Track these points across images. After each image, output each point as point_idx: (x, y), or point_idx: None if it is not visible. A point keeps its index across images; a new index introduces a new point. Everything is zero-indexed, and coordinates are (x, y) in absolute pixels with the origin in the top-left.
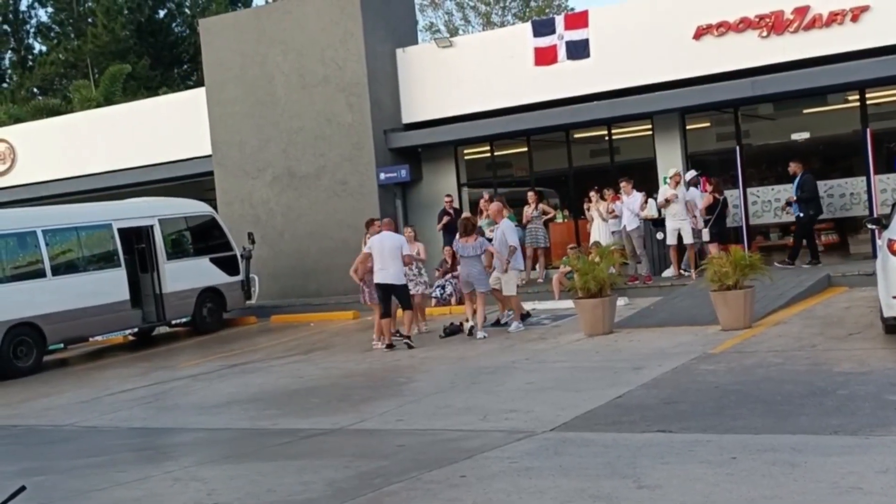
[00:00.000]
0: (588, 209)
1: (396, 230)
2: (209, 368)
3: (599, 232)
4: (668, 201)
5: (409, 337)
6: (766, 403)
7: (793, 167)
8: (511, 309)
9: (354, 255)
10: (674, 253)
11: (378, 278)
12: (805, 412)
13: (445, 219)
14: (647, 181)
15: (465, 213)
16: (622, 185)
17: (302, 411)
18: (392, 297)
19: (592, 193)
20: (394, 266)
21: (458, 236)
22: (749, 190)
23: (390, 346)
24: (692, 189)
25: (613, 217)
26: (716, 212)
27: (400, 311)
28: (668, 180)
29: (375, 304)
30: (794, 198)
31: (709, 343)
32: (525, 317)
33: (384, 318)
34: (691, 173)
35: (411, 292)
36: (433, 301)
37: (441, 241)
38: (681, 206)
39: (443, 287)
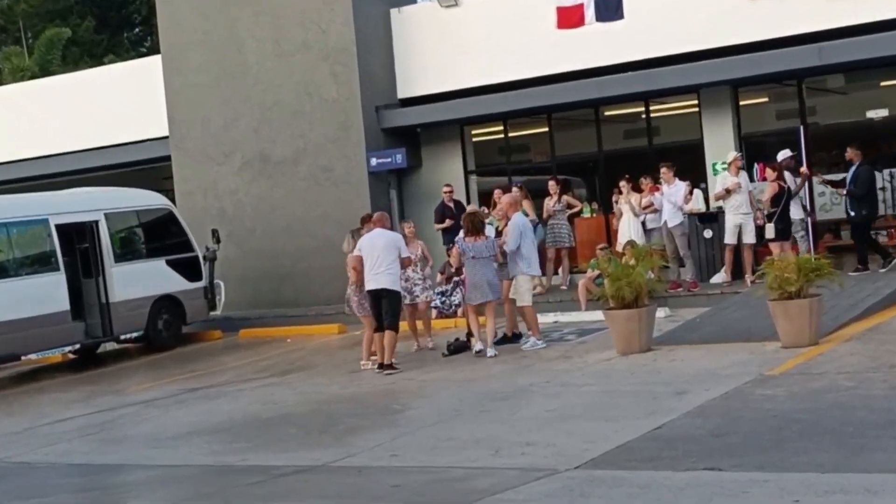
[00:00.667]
0: (617, 202)
1: (391, 227)
2: (165, 393)
3: (630, 229)
4: (728, 192)
5: (389, 366)
6: (835, 435)
7: (850, 153)
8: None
9: (339, 256)
10: (730, 254)
11: (370, 284)
12: (882, 446)
13: (448, 222)
14: (691, 168)
15: (471, 207)
16: (662, 172)
17: (276, 444)
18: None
19: (623, 183)
20: (388, 270)
21: (462, 234)
22: (815, 179)
23: (383, 367)
24: (742, 175)
25: (651, 211)
26: (781, 204)
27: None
28: (725, 167)
29: (366, 316)
30: (844, 192)
31: (766, 363)
32: (517, 337)
33: (379, 331)
34: (785, 153)
35: (419, 299)
36: (434, 312)
37: (440, 240)
38: (744, 198)
39: (444, 294)
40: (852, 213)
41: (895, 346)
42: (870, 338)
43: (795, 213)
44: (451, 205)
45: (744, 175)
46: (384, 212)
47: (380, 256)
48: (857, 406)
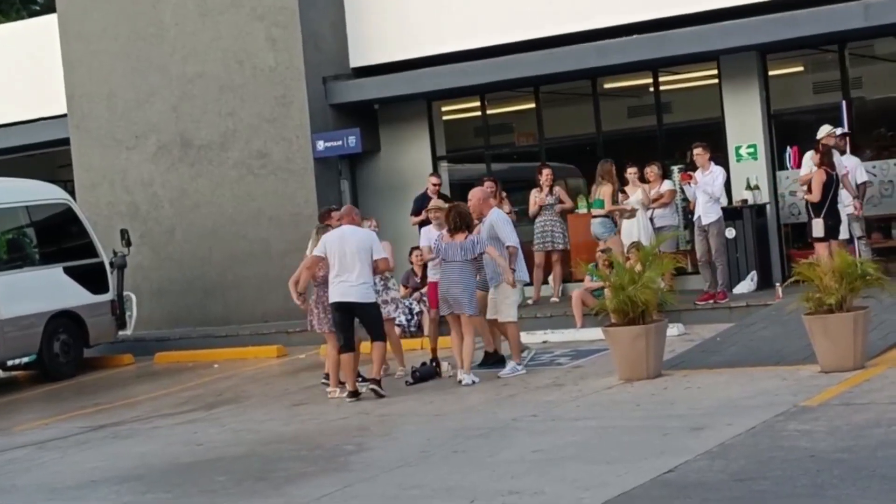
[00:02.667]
0: (621, 194)
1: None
2: (64, 431)
3: (638, 227)
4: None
5: (377, 381)
6: (885, 480)
7: None
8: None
9: (278, 262)
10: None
11: (336, 294)
12: None
13: (424, 214)
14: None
15: (436, 200)
16: (697, 154)
17: (201, 495)
18: (354, 322)
19: (632, 171)
20: (360, 276)
21: (436, 231)
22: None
23: (355, 394)
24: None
25: (661, 205)
26: (829, 195)
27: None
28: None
29: (330, 333)
30: None
31: (802, 391)
32: (501, 357)
33: (345, 352)
34: (827, 129)
35: (391, 316)
36: (397, 330)
37: (413, 241)
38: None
39: (410, 310)
40: None
41: None
42: None
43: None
44: (433, 197)
45: (838, 156)
46: (352, 205)
47: (350, 261)
48: None
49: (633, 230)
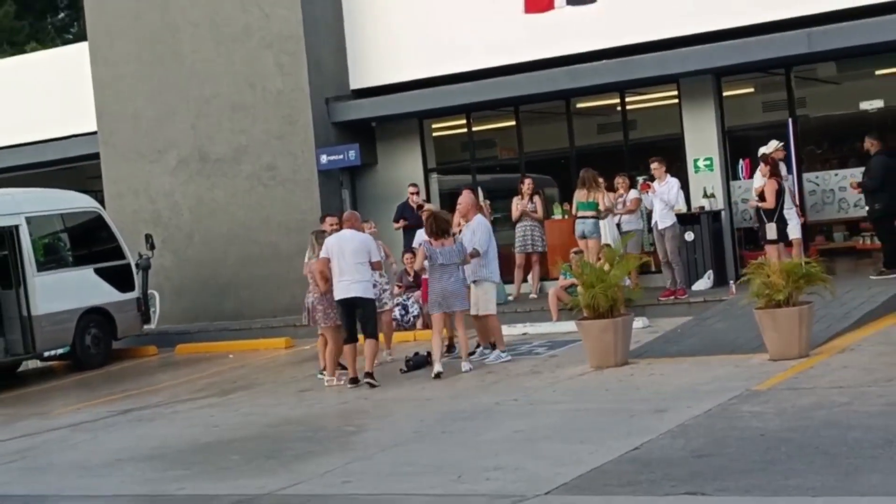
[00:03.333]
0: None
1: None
2: (94, 415)
3: (605, 230)
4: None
5: (371, 374)
6: (827, 456)
7: (867, 143)
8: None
9: (286, 263)
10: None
11: (340, 292)
12: (878, 468)
13: (402, 222)
14: (671, 166)
15: (429, 206)
16: (653, 168)
17: (217, 472)
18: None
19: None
20: (360, 275)
21: (425, 238)
22: (805, 176)
23: (355, 381)
24: (780, 168)
25: (627, 212)
26: (779, 203)
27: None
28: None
29: (330, 327)
30: (858, 183)
31: (753, 377)
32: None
33: (349, 342)
34: (774, 144)
35: (387, 307)
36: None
37: (401, 245)
38: (785, 194)
39: (405, 307)
40: (868, 208)
41: (892, 357)
42: (865, 349)
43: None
44: (414, 206)
45: (781, 167)
46: (354, 211)
47: (350, 261)
48: (852, 424)
49: (602, 233)
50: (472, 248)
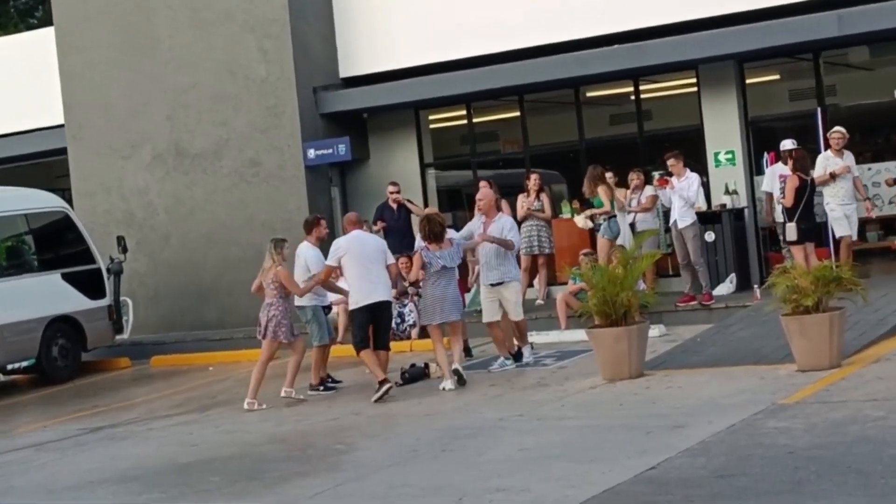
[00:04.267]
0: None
1: (331, 231)
2: (62, 433)
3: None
4: (833, 176)
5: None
6: (861, 475)
7: None
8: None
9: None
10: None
11: (370, 297)
12: None
13: (379, 224)
14: (689, 160)
15: (430, 209)
16: (670, 163)
17: (196, 495)
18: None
19: (609, 175)
20: (386, 277)
21: (421, 242)
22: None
23: (385, 382)
24: (848, 156)
25: (643, 210)
26: (803, 200)
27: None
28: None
29: (298, 339)
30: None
31: (780, 390)
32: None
33: (367, 348)
34: (789, 143)
35: None
36: None
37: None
38: (849, 184)
39: (400, 314)
40: None
41: None
42: None
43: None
44: (394, 206)
45: (849, 156)
46: (356, 213)
47: (376, 262)
48: (888, 440)
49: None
50: (510, 241)
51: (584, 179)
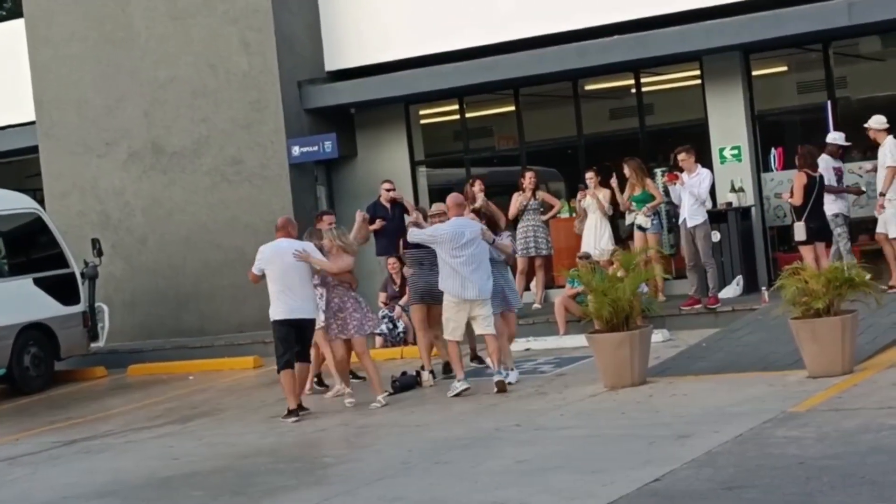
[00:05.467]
0: (581, 199)
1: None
2: (35, 446)
3: (595, 234)
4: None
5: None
6: (875, 486)
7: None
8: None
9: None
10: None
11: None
12: None
13: (378, 223)
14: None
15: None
16: (681, 158)
17: None
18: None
19: (589, 176)
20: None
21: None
22: (847, 166)
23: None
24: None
25: (651, 210)
26: (812, 198)
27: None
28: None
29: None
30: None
31: (789, 397)
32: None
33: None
34: (838, 137)
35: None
36: (378, 340)
37: (372, 249)
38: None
39: (392, 320)
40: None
41: None
42: None
43: (835, 206)
44: (387, 205)
45: (891, 142)
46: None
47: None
48: None
49: (593, 235)
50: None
51: (630, 173)
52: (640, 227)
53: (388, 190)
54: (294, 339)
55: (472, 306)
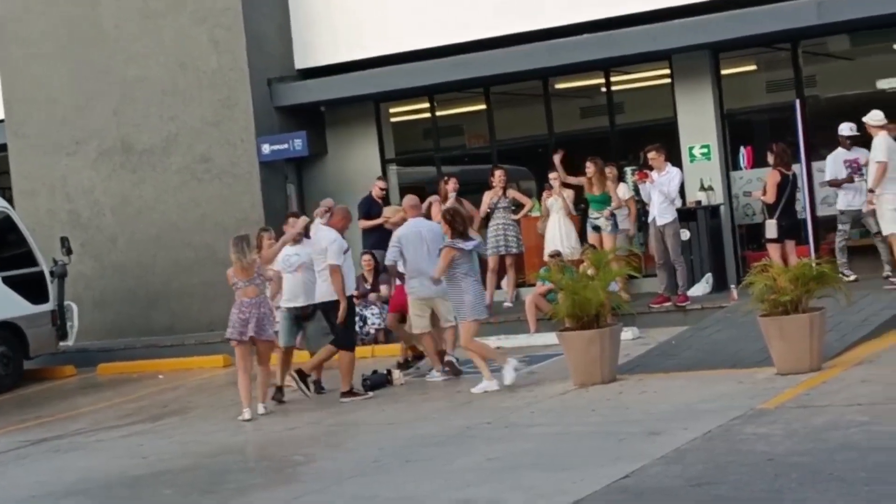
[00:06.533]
0: (546, 198)
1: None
2: (3, 446)
3: (560, 233)
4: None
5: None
6: (844, 483)
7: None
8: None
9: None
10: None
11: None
12: None
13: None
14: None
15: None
16: (651, 156)
17: None
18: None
19: (553, 176)
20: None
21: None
22: (816, 164)
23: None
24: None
25: (617, 208)
26: (784, 196)
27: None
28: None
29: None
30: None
31: (758, 394)
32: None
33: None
34: (848, 128)
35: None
36: None
37: (360, 245)
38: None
39: (363, 317)
40: None
41: None
42: (885, 361)
43: (842, 202)
44: (380, 201)
45: (884, 138)
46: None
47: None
48: (872, 446)
49: (557, 235)
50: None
51: (592, 173)
52: (597, 229)
53: (382, 189)
54: None
55: (434, 303)
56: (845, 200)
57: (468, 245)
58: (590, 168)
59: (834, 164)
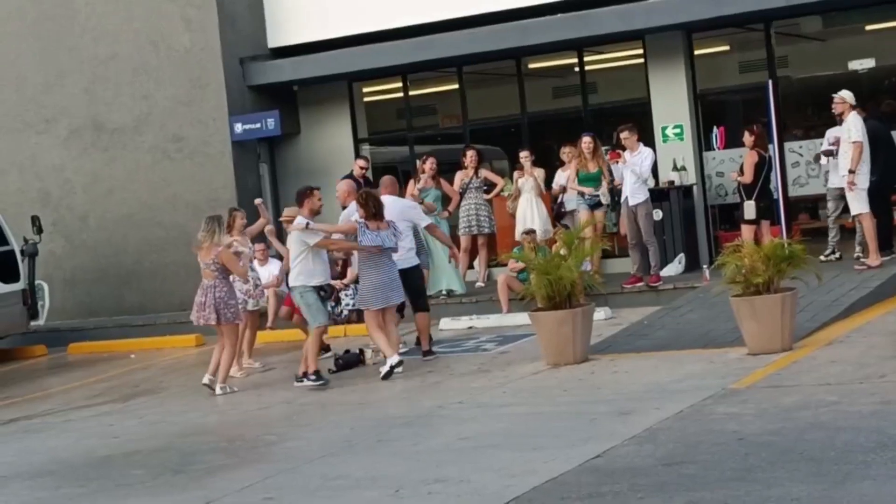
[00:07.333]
0: (518, 178)
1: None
2: None
3: (530, 213)
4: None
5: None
6: (813, 462)
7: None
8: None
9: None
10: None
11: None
12: (870, 475)
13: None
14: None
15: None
16: (623, 136)
17: (118, 489)
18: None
19: (524, 155)
20: None
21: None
22: (788, 145)
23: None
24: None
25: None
26: (761, 177)
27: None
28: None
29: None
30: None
31: (729, 374)
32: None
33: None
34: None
35: (250, 308)
36: None
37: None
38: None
39: (337, 299)
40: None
41: (886, 350)
42: (855, 341)
43: (836, 179)
44: (362, 182)
45: (854, 119)
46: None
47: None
48: (841, 426)
49: (528, 215)
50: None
51: (586, 150)
52: (596, 205)
53: (363, 168)
54: None
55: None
56: (837, 180)
57: (369, 237)
58: (587, 144)
59: (827, 140)
